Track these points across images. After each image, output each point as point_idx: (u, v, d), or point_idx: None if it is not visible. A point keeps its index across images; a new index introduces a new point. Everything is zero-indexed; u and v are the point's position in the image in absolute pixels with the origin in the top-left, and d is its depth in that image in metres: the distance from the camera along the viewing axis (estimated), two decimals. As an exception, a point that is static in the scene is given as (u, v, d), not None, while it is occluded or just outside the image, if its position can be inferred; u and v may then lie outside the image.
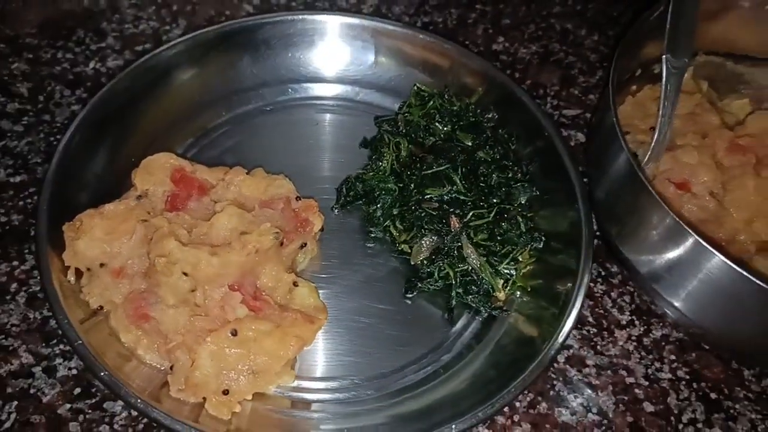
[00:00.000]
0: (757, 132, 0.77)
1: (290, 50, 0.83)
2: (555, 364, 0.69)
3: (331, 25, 0.83)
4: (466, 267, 0.70)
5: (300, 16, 0.82)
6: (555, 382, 0.68)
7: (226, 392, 0.59)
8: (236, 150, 0.78)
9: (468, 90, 0.82)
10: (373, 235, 0.74)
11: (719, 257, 0.60)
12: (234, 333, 0.60)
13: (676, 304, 0.68)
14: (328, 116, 0.83)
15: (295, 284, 0.67)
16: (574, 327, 0.71)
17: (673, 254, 0.64)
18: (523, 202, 0.74)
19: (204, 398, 0.59)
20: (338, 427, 0.62)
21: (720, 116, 0.78)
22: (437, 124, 0.77)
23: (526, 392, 0.67)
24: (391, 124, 0.78)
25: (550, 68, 0.94)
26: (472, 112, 0.78)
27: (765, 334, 0.65)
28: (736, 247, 0.74)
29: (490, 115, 0.79)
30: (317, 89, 0.84)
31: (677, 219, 0.61)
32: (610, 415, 0.67)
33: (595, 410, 0.67)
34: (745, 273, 0.58)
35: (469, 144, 0.74)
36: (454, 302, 0.70)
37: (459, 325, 0.70)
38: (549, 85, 0.92)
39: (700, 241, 0.60)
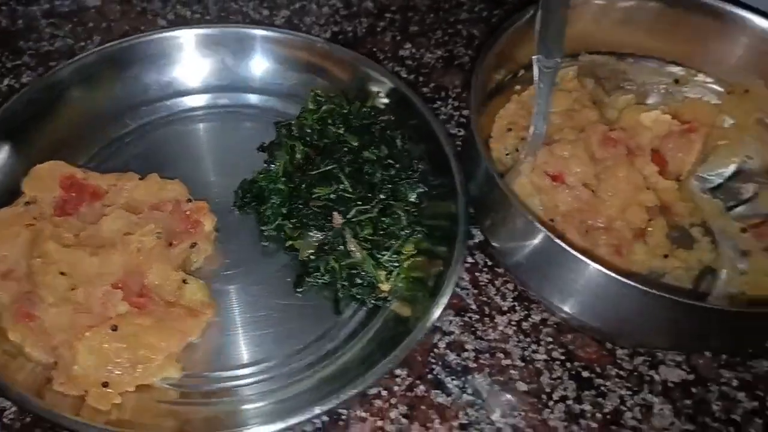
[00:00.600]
0: (630, 125, 0.81)
1: (191, 62, 0.87)
2: (435, 350, 0.73)
3: (229, 36, 0.87)
4: (351, 261, 0.74)
5: (195, 31, 0.86)
6: (434, 367, 0.72)
7: (105, 384, 0.63)
8: (140, 159, 0.82)
9: (365, 94, 0.86)
10: (266, 233, 0.78)
11: (568, 250, 0.63)
12: (114, 328, 0.63)
13: (543, 292, 0.72)
14: (232, 124, 0.87)
15: (184, 281, 0.71)
16: (457, 314, 0.76)
17: (529, 247, 0.68)
18: (412, 198, 0.78)
19: (86, 391, 0.63)
20: (226, 411, 0.66)
21: (599, 111, 0.83)
22: (329, 127, 0.81)
23: (405, 376, 0.71)
24: (287, 129, 0.83)
25: (453, 71, 0.99)
26: (363, 114, 0.82)
27: (620, 318, 0.69)
28: (614, 234, 0.78)
29: (385, 117, 0.84)
30: (221, 98, 0.88)
31: (528, 216, 0.65)
32: (484, 395, 0.71)
33: (470, 391, 0.71)
34: (591, 263, 0.62)
35: (356, 144, 0.78)
36: (340, 294, 0.74)
37: (346, 315, 0.74)
38: (451, 87, 0.97)
39: (550, 235, 0.64)
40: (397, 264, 0.74)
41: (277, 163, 0.79)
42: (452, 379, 0.71)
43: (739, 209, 0.83)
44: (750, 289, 0.77)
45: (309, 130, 0.81)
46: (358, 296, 0.74)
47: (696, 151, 0.83)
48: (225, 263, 0.77)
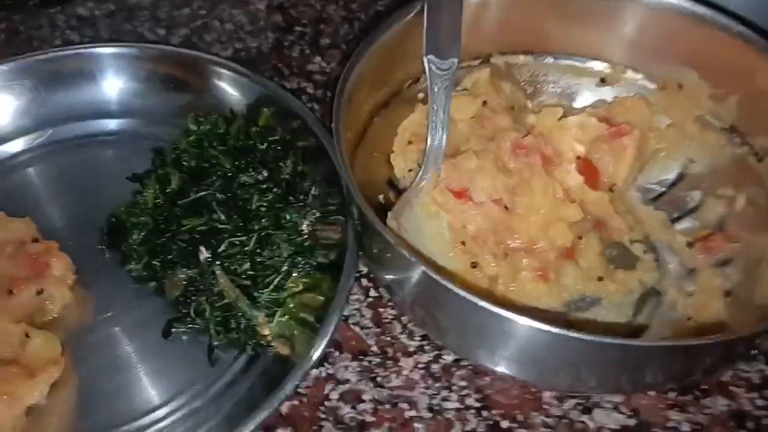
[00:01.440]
0: (547, 131, 0.71)
1: (68, 86, 0.79)
2: (326, 402, 0.62)
3: (107, 57, 0.79)
4: (224, 302, 0.63)
5: (71, 51, 0.78)
6: (323, 423, 0.61)
7: None
8: (9, 191, 0.73)
9: (256, 112, 0.77)
10: (134, 274, 0.68)
11: (447, 286, 0.52)
12: None
13: (438, 336, 0.62)
14: (110, 152, 0.78)
15: (27, 335, 0.61)
16: (355, 358, 0.65)
17: (410, 284, 0.58)
18: (303, 226, 0.68)
19: None
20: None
21: (514, 117, 0.73)
22: (209, 149, 0.72)
23: (288, 436, 0.60)
24: (160, 155, 0.73)
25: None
26: (246, 134, 0.73)
27: (534, 361, 0.58)
28: (538, 256, 0.68)
29: (276, 137, 0.74)
30: (100, 125, 0.79)
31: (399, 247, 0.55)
32: (382, 456, 0.60)
33: (365, 452, 0.60)
34: (477, 301, 0.51)
35: (229, 167, 0.69)
36: (214, 341, 0.64)
37: (225, 363, 0.63)
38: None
39: (426, 270, 0.53)
40: (279, 303, 0.64)
41: (147, 193, 0.69)
42: None
43: (685, 221, 0.73)
44: (697, 313, 0.66)
45: (186, 156, 0.71)
46: (236, 341, 0.63)
47: (629, 156, 0.73)
48: (85, 312, 0.66)
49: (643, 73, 0.74)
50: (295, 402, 0.62)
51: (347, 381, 0.64)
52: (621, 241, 0.72)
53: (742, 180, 0.68)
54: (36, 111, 0.78)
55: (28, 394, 0.58)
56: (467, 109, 0.71)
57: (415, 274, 0.55)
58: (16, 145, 0.77)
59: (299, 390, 0.63)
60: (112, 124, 0.79)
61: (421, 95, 0.74)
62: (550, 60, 0.77)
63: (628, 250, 0.72)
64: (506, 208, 0.67)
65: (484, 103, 0.72)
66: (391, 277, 0.61)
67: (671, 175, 0.74)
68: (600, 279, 0.68)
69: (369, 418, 0.62)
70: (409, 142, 0.71)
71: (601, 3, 0.71)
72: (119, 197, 0.71)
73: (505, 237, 0.67)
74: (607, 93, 0.76)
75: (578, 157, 0.73)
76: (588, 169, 0.73)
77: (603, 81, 0.76)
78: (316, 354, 0.59)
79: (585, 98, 0.77)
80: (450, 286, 0.51)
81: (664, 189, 0.74)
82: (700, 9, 0.68)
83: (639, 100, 0.74)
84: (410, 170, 0.71)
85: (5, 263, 0.62)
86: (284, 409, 0.62)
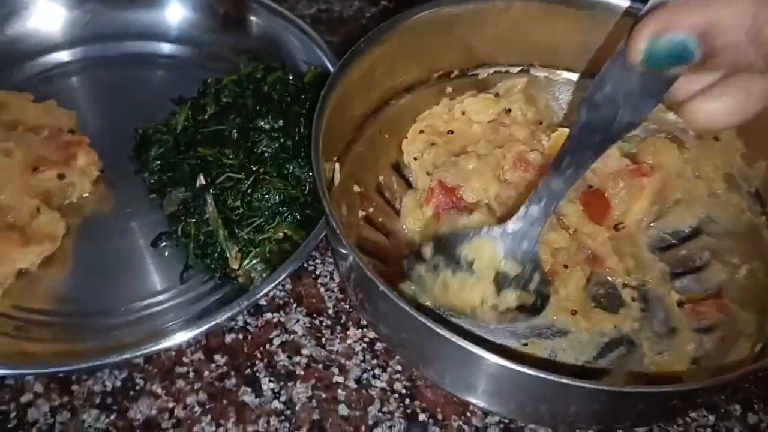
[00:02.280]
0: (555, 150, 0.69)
1: (129, 5, 0.86)
2: (267, 345, 0.66)
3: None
4: (210, 228, 0.68)
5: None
6: (257, 362, 0.65)
7: None
8: (64, 92, 0.81)
9: (305, 70, 0.81)
10: (146, 184, 0.74)
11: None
12: (-67, 231, 0.63)
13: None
14: (159, 73, 0.85)
15: (38, 210, 0.69)
16: (309, 314, 0.68)
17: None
18: (305, 179, 0.72)
19: None
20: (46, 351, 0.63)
21: (531, 131, 0.71)
22: (245, 91, 0.76)
23: (221, 363, 0.64)
24: (206, 86, 0.79)
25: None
26: (279, 84, 0.77)
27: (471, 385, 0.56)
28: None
29: (310, 95, 0.78)
30: (154, 47, 0.86)
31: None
32: (297, 408, 0.62)
33: (283, 399, 0.63)
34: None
35: (251, 110, 0.73)
36: (190, 261, 0.69)
37: (195, 283, 0.69)
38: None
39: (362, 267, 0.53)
40: (255, 244, 0.68)
41: (179, 116, 0.75)
42: (270, 381, 0.64)
43: (686, 279, 0.69)
44: (657, 370, 0.63)
45: (225, 92, 0.77)
46: (208, 267, 0.68)
47: (645, 199, 0.69)
48: (100, 207, 0.74)
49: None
50: (240, 336, 0.66)
51: (293, 332, 0.67)
52: (613, 281, 0.69)
53: (750, 251, 0.64)
54: (94, 25, 0.86)
55: (19, 258, 0.66)
56: (486, 112, 0.71)
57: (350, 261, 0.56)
58: (77, 53, 0.86)
59: (248, 327, 0.67)
60: (166, 48, 0.86)
61: (449, 90, 0.75)
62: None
63: (616, 293, 0.69)
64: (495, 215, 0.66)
65: (508, 111, 0.72)
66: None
67: (686, 229, 0.70)
68: (573, 313, 0.66)
69: (299, 371, 0.65)
70: (421, 132, 0.72)
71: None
72: (158, 116, 0.78)
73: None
74: (641, 128, 0.72)
75: (590, 187, 0.70)
76: (598, 200, 0.70)
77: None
78: (262, 292, 0.63)
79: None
80: (381, 285, 0.51)
81: (675, 241, 0.70)
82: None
83: (672, 144, 0.70)
84: (415, 158, 0.72)
85: (38, 143, 0.70)
86: (228, 339, 0.66)
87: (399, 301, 0.50)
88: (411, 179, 0.73)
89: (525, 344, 0.65)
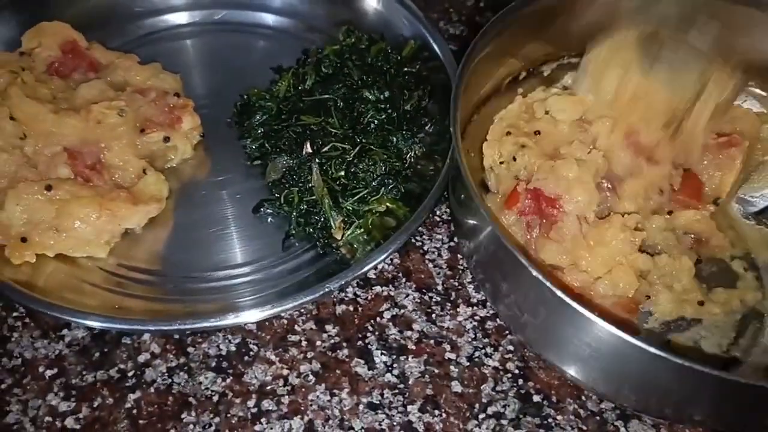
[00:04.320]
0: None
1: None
2: (378, 318, 0.65)
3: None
4: (311, 198, 0.67)
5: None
6: (369, 335, 0.64)
7: (24, 240, 0.61)
8: (167, 55, 0.80)
9: (405, 43, 0.80)
10: (247, 150, 0.73)
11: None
12: (48, 188, 0.62)
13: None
14: (262, 43, 0.84)
15: (144, 171, 0.68)
16: (418, 289, 0.67)
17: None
18: (407, 152, 0.70)
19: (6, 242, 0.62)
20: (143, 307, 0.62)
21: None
22: (347, 61, 0.75)
23: (333, 334, 0.63)
24: (307, 56, 0.78)
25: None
26: (382, 56, 0.75)
27: (594, 367, 0.56)
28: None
29: (413, 70, 0.76)
30: (258, 17, 0.85)
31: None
32: (410, 382, 0.61)
33: (396, 372, 0.62)
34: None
35: (357, 80, 0.72)
36: (292, 229, 0.68)
37: (295, 251, 0.68)
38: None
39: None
40: (359, 215, 0.66)
41: (281, 84, 0.74)
42: (382, 354, 0.63)
43: None
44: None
45: (326, 62, 0.75)
46: (311, 236, 0.67)
47: (737, 169, 0.68)
48: (200, 171, 0.73)
49: (755, 79, 0.69)
50: (350, 307, 0.65)
51: (404, 307, 0.66)
52: (722, 257, 0.67)
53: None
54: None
55: (127, 217, 0.65)
56: (572, 109, 0.68)
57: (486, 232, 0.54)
58: (182, 18, 0.85)
59: (358, 299, 0.66)
60: (270, 19, 0.85)
61: (520, 90, 0.72)
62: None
63: (727, 267, 0.67)
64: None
65: None
66: (466, 225, 0.61)
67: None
68: (701, 303, 0.64)
69: (411, 346, 0.63)
70: (507, 133, 0.69)
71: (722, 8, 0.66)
72: (258, 83, 0.77)
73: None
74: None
75: (686, 170, 0.68)
76: (693, 182, 0.69)
77: None
78: (370, 265, 0.62)
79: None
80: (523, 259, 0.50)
81: (766, 203, 0.68)
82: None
83: (748, 109, 0.68)
84: (501, 162, 0.69)
85: (146, 106, 0.69)
86: (339, 310, 0.65)
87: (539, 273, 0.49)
88: (489, 183, 0.70)
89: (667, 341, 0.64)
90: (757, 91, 0.69)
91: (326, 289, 0.61)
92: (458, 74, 0.61)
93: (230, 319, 0.59)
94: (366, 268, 0.63)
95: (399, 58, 0.77)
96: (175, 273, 0.66)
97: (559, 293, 0.50)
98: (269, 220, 0.70)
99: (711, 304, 0.64)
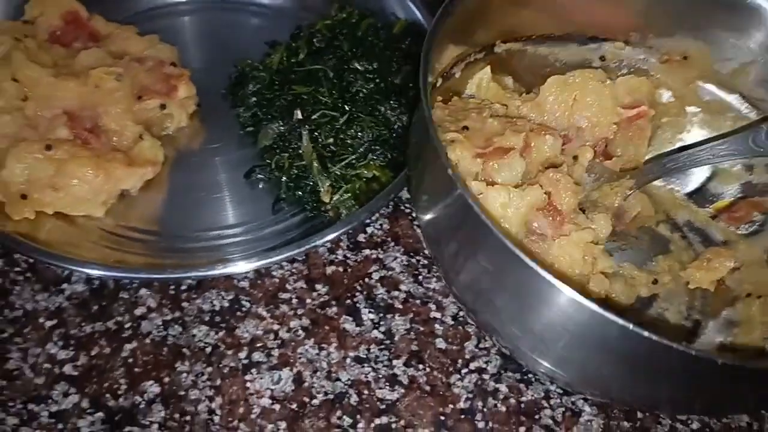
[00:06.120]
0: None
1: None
2: (366, 279, 0.67)
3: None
4: (301, 163, 0.70)
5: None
6: (357, 294, 0.66)
7: (24, 197, 0.63)
8: (165, 30, 0.81)
9: (395, 21, 0.82)
10: (241, 119, 0.75)
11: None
12: (48, 147, 0.64)
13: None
14: (257, 20, 0.86)
15: (141, 137, 0.70)
16: (406, 252, 0.69)
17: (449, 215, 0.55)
18: (395, 122, 0.72)
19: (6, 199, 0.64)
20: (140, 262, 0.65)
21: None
22: (338, 35, 0.77)
23: (323, 293, 0.65)
24: (300, 30, 0.80)
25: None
26: (372, 30, 0.78)
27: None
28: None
29: (402, 46, 0.79)
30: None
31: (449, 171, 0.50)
32: (396, 338, 0.63)
33: (382, 329, 0.64)
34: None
35: (347, 52, 0.74)
36: (282, 193, 0.70)
37: (285, 215, 0.70)
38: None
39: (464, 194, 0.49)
40: (346, 180, 0.69)
41: (274, 56, 0.76)
42: (369, 312, 0.65)
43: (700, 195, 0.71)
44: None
45: (318, 36, 0.78)
46: (300, 199, 0.69)
47: (647, 137, 0.70)
48: (195, 138, 0.76)
49: (642, 47, 0.71)
50: (340, 268, 0.67)
51: (391, 269, 0.68)
52: (649, 225, 0.70)
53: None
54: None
55: (123, 178, 0.67)
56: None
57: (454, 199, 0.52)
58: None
59: (347, 261, 0.68)
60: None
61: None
62: (548, 44, 0.72)
63: (656, 234, 0.70)
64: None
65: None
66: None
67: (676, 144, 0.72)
68: (654, 282, 0.66)
69: (397, 305, 0.65)
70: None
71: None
72: (253, 57, 0.79)
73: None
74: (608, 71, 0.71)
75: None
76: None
77: (602, 59, 0.72)
78: (354, 223, 0.66)
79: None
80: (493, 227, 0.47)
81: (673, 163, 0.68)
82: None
83: (642, 78, 0.70)
84: None
85: (143, 74, 0.71)
86: (329, 270, 0.67)
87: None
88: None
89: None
90: (648, 58, 0.72)
91: (311, 244, 0.63)
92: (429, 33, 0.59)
93: (218, 270, 0.61)
94: (354, 224, 0.66)
95: (389, 35, 0.79)
96: (170, 233, 0.68)
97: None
98: (260, 185, 0.72)
99: (661, 276, 0.67)
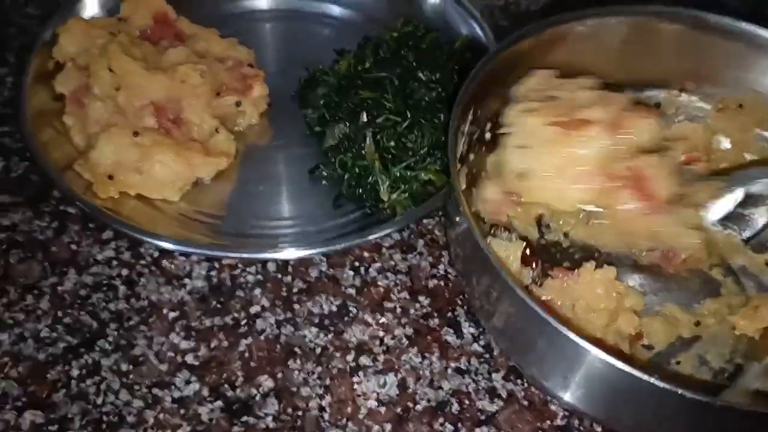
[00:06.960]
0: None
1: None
2: (467, 295, 0.69)
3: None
4: (365, 163, 0.75)
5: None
6: (458, 308, 0.69)
7: (110, 177, 0.70)
8: (243, 34, 0.88)
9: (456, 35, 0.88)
10: (307, 119, 0.81)
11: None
12: (135, 134, 0.71)
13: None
14: (327, 31, 0.93)
15: (217, 130, 0.77)
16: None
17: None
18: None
19: (94, 179, 0.71)
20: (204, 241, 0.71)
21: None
22: (403, 46, 0.83)
23: (426, 305, 0.69)
24: (368, 40, 0.86)
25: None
26: (435, 45, 0.83)
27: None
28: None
29: (464, 60, 0.84)
30: (324, 8, 0.94)
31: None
32: (495, 353, 0.66)
33: (482, 343, 0.67)
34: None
35: (412, 62, 0.79)
36: (343, 190, 0.75)
37: (344, 210, 0.75)
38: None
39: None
40: (405, 180, 0.74)
41: (342, 63, 0.82)
42: (470, 326, 0.68)
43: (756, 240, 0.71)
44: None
45: (384, 47, 0.83)
46: (360, 197, 0.75)
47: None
48: (263, 135, 0.82)
49: (698, 95, 0.73)
50: (441, 283, 0.71)
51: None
52: (701, 268, 0.70)
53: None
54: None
55: (199, 166, 0.73)
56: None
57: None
58: (262, 3, 0.94)
59: (448, 275, 0.71)
60: (336, 10, 0.94)
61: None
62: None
63: (709, 277, 0.70)
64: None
65: None
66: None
67: (737, 194, 0.70)
68: (697, 324, 0.67)
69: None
70: None
71: (663, 33, 0.70)
72: (322, 63, 0.85)
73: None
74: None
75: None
76: None
77: (657, 106, 0.74)
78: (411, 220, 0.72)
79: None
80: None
81: (731, 208, 0.70)
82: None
83: (697, 125, 0.72)
84: None
85: (223, 72, 0.78)
86: (431, 284, 0.71)
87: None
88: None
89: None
90: (702, 105, 0.73)
91: (368, 238, 0.69)
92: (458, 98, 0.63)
93: (270, 253, 0.69)
94: (407, 223, 0.72)
95: (452, 49, 0.84)
96: (234, 219, 0.74)
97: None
98: (323, 182, 0.77)
99: (706, 318, 0.67)
